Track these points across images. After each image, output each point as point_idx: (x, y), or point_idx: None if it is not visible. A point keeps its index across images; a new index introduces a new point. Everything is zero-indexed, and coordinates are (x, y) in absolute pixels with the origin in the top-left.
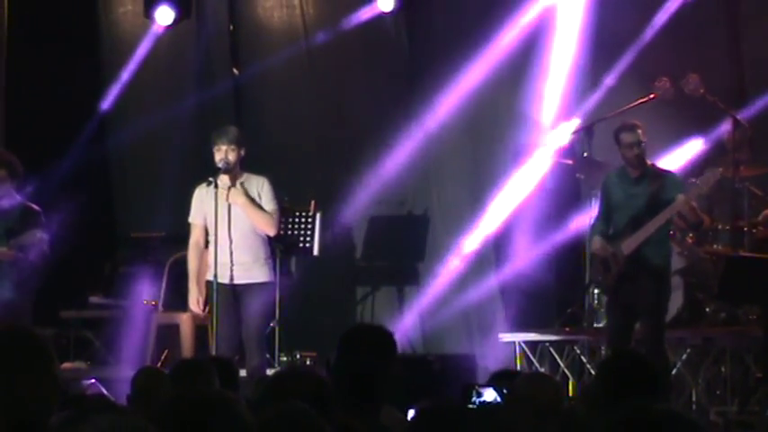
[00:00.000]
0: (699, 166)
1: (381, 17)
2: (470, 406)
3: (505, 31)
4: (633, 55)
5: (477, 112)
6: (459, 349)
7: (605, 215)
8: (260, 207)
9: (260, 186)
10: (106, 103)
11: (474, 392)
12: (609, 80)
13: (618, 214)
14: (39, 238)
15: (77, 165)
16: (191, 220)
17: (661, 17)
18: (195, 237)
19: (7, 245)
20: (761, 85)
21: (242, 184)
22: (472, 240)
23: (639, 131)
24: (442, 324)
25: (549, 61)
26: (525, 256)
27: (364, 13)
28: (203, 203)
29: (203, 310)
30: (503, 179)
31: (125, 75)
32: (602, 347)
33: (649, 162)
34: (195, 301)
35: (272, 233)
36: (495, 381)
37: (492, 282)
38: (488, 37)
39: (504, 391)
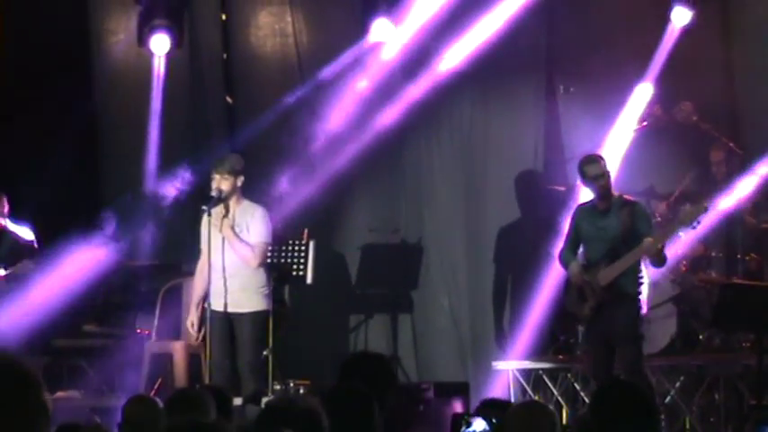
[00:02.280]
0: (691, 194)
1: (374, 43)
2: None
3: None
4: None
5: (468, 140)
6: (453, 377)
7: (573, 244)
8: (242, 240)
9: (251, 216)
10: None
11: (463, 423)
12: None
13: (590, 246)
14: (31, 268)
15: (68, 189)
16: (200, 246)
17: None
18: (201, 263)
19: None
20: (754, 113)
21: (235, 213)
22: (466, 267)
23: (602, 163)
24: (436, 352)
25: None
26: (519, 284)
27: (359, 45)
28: (205, 231)
29: (198, 335)
30: (496, 207)
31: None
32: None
33: (616, 193)
34: (191, 323)
35: (252, 265)
36: (485, 410)
37: (486, 309)
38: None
39: (494, 420)
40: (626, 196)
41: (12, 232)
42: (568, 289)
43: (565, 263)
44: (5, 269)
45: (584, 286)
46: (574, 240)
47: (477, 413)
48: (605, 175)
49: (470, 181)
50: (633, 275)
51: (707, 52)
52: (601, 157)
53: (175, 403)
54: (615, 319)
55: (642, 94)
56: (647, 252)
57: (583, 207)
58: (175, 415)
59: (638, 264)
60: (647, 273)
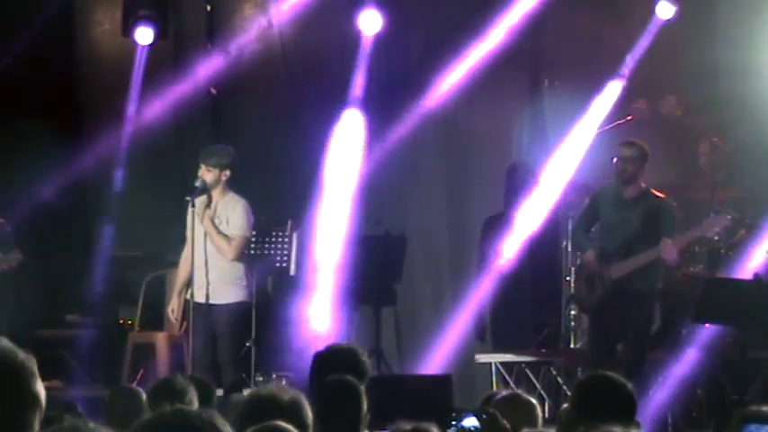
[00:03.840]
0: (675, 188)
1: (359, 36)
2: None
3: (482, 48)
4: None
5: (452, 131)
6: (436, 370)
7: (588, 224)
8: (220, 231)
9: (232, 209)
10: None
11: (453, 418)
12: None
13: (610, 235)
14: (17, 259)
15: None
16: (186, 233)
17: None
18: (187, 251)
19: None
20: (737, 107)
21: (218, 205)
22: (449, 260)
23: (632, 150)
24: (419, 344)
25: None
26: (502, 277)
27: (343, 34)
28: (190, 221)
29: (180, 326)
30: (480, 199)
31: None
32: (579, 369)
33: (644, 184)
34: (171, 310)
35: (228, 258)
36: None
37: (469, 302)
38: (465, 56)
39: (484, 416)
40: (655, 191)
41: None
42: (579, 274)
43: (580, 246)
44: None
45: (595, 276)
46: (590, 221)
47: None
48: (630, 160)
49: (454, 173)
50: (648, 273)
51: (692, 46)
52: (635, 144)
53: (158, 393)
54: (626, 317)
55: (614, 89)
56: (663, 254)
57: (607, 189)
58: (158, 404)
59: (658, 262)
60: None
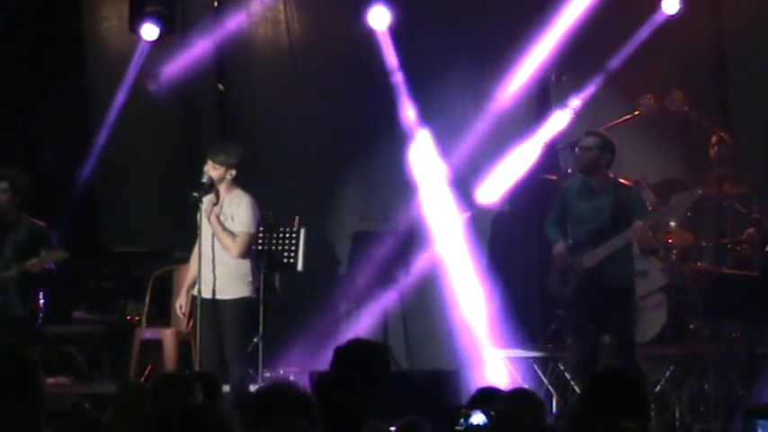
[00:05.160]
0: (681, 183)
1: (369, 33)
2: (457, 428)
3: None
4: (618, 71)
5: (459, 127)
6: (444, 365)
7: (558, 218)
8: (225, 228)
9: (237, 205)
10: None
11: (462, 415)
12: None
13: (582, 226)
14: (63, 257)
15: (62, 180)
16: (198, 231)
17: (644, 32)
18: (197, 248)
19: (24, 262)
20: (745, 102)
21: (224, 201)
22: (456, 255)
23: (594, 139)
24: (427, 339)
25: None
26: (510, 272)
27: (352, 30)
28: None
29: (187, 322)
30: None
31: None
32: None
33: (611, 174)
34: (179, 306)
35: (233, 254)
36: (481, 401)
37: (477, 297)
38: (478, 52)
39: (492, 413)
40: (621, 180)
41: (27, 220)
42: (551, 270)
43: (551, 237)
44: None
45: (566, 269)
46: (560, 215)
47: (475, 403)
48: (589, 149)
49: (461, 169)
50: (623, 264)
51: (698, 41)
52: (596, 133)
53: (160, 388)
54: (606, 309)
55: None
56: (636, 236)
57: (575, 182)
58: (160, 399)
59: (629, 251)
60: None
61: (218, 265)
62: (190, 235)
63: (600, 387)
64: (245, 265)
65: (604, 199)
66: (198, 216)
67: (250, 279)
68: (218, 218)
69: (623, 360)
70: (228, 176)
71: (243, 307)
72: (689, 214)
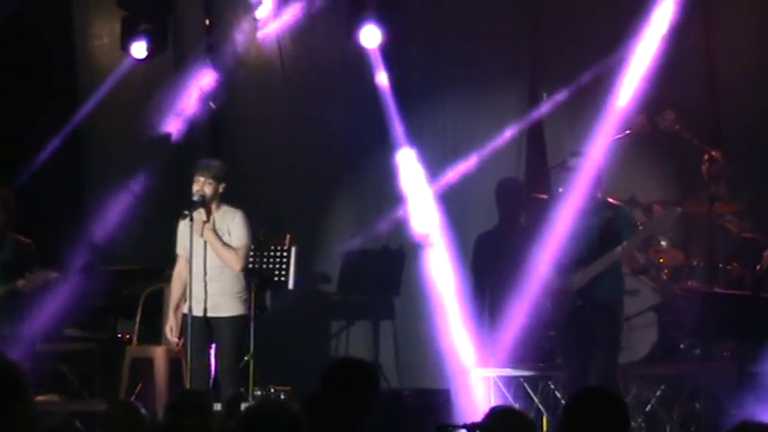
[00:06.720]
0: (674, 203)
1: (360, 51)
2: None
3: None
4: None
5: (451, 145)
6: (434, 384)
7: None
8: (225, 243)
9: (231, 220)
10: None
11: None
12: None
13: (572, 245)
14: (53, 277)
15: (51, 191)
16: (177, 250)
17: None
18: (179, 267)
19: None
20: (737, 121)
21: (215, 218)
22: (447, 272)
23: (577, 159)
24: (417, 358)
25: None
26: (500, 291)
27: (344, 49)
28: (185, 235)
29: (178, 341)
30: (478, 213)
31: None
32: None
33: (599, 194)
34: (170, 329)
35: (236, 269)
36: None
37: (467, 317)
38: (468, 68)
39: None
40: (610, 200)
41: (13, 236)
42: (548, 296)
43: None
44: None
45: (558, 292)
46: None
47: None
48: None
49: (452, 187)
50: (612, 283)
51: (689, 59)
52: (582, 154)
53: (179, 405)
54: (592, 328)
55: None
56: (622, 255)
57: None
58: (178, 417)
59: (618, 269)
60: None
61: (212, 283)
62: (171, 253)
63: (580, 406)
64: (240, 282)
65: (595, 218)
66: (179, 234)
67: (245, 297)
68: (215, 233)
69: (601, 378)
70: (221, 190)
71: (240, 325)
72: (680, 232)
